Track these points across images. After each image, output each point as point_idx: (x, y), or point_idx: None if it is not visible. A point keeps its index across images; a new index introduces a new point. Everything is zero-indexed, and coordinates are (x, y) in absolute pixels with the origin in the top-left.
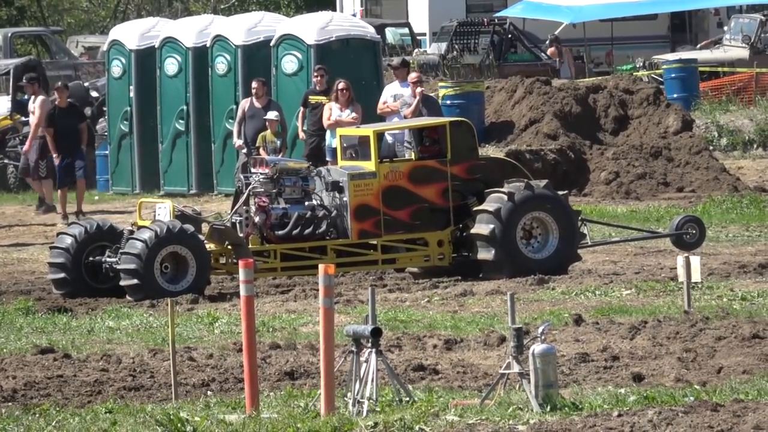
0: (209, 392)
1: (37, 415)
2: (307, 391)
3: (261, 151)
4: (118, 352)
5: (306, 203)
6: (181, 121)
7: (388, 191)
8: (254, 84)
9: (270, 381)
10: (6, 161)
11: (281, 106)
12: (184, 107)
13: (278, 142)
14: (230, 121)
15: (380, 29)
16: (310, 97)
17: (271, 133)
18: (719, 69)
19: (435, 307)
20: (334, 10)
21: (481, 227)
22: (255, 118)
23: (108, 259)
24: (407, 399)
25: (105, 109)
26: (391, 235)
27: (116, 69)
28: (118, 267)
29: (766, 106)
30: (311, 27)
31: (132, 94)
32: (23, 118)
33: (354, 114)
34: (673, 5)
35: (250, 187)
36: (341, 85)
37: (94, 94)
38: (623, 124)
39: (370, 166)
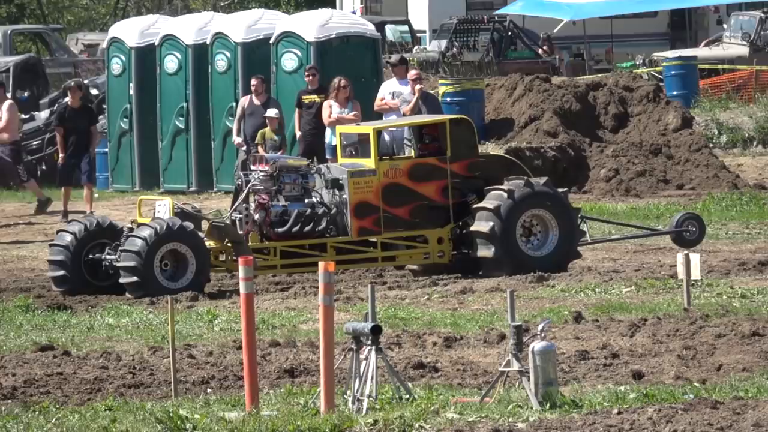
0: (209, 390)
1: (37, 413)
2: (306, 388)
3: (260, 148)
4: (117, 349)
5: (306, 200)
6: (180, 118)
7: (387, 188)
8: (253, 81)
9: (270, 378)
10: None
11: (280, 104)
12: (184, 105)
13: (278, 139)
14: (230, 118)
15: (380, 26)
16: (304, 96)
17: (270, 130)
18: (719, 66)
19: (435, 305)
20: (334, 7)
21: (481, 224)
22: (254, 115)
23: (108, 257)
24: (407, 396)
25: (105, 106)
26: (391, 232)
27: (116, 66)
28: (118, 264)
29: (766, 104)
30: (311, 24)
31: (132, 92)
32: (23, 116)
33: (354, 112)
34: (673, 3)
35: (250, 184)
36: (342, 83)
37: (93, 91)
38: (623, 121)
39: (369, 163)
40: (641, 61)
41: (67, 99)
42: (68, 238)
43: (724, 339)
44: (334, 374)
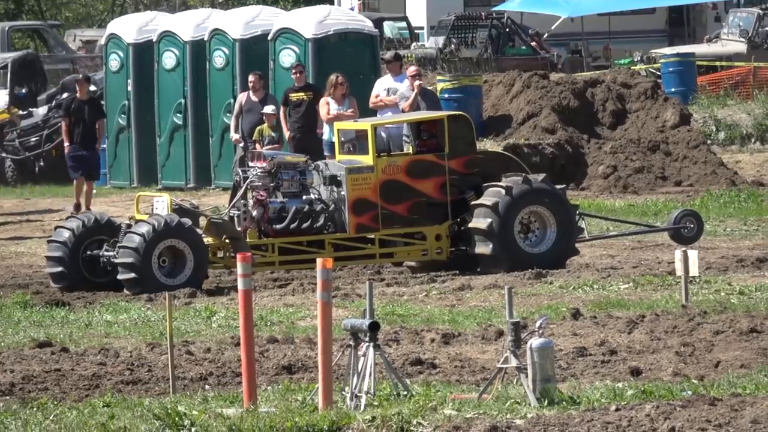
0: (207, 386)
1: (35, 409)
2: (304, 385)
3: (257, 145)
4: (115, 345)
5: (304, 197)
6: (178, 114)
7: (385, 185)
8: (251, 78)
9: (268, 375)
10: (4, 155)
11: (278, 100)
12: (182, 101)
13: (275, 136)
14: (228, 114)
15: (378, 23)
16: (291, 94)
17: (267, 126)
18: (717, 63)
19: (433, 302)
20: (332, 4)
21: (479, 221)
22: (252, 111)
23: (106, 253)
24: (405, 393)
25: (103, 103)
26: (389, 229)
27: (114, 63)
28: (116, 261)
29: (764, 101)
30: (309, 21)
31: (130, 88)
32: (21, 112)
33: (351, 109)
34: None
35: (248, 181)
36: (339, 80)
37: (91, 88)
38: (621, 118)
39: (367, 160)
40: (639, 58)
41: (66, 94)
42: (66, 234)
43: (722, 336)
44: (332, 371)
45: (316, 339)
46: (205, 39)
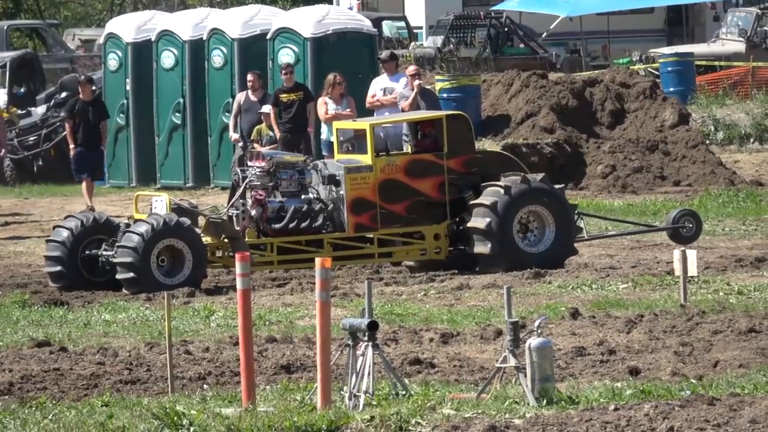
0: (205, 386)
1: (34, 409)
2: (303, 384)
3: (255, 145)
4: (114, 345)
5: (302, 197)
6: (177, 114)
7: (384, 185)
8: (250, 77)
9: (266, 374)
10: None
11: None
12: (181, 100)
13: (273, 135)
14: (227, 114)
15: (377, 22)
16: (281, 95)
17: (266, 126)
18: (716, 63)
19: (431, 301)
20: (331, 3)
21: (478, 221)
22: (251, 111)
23: (104, 253)
24: (404, 393)
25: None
26: (388, 228)
27: (113, 62)
28: (115, 260)
29: (763, 100)
30: (308, 20)
31: (128, 87)
32: (20, 111)
33: (349, 108)
34: None
35: (247, 180)
36: (337, 79)
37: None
38: (620, 117)
39: (366, 159)
40: (638, 58)
41: (64, 93)
42: (65, 234)
43: (720, 335)
44: (330, 370)
45: (314, 338)
46: (204, 38)
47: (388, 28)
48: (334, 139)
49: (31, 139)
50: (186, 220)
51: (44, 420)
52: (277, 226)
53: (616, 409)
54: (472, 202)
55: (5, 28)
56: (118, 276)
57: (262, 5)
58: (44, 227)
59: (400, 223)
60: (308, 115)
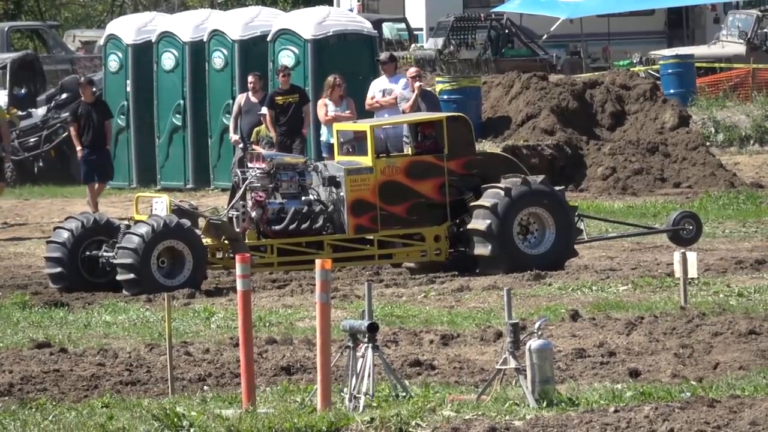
0: (206, 387)
1: (34, 410)
2: (303, 386)
3: (255, 146)
4: (114, 346)
5: (303, 198)
6: (177, 115)
7: (384, 186)
8: (250, 78)
9: (266, 376)
10: (2, 155)
11: None
12: (181, 102)
13: (273, 137)
14: (227, 115)
15: (377, 24)
16: (277, 97)
17: (265, 127)
18: (716, 65)
19: (431, 303)
20: (331, 5)
21: (478, 222)
22: (251, 112)
23: (105, 254)
24: (404, 394)
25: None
26: (388, 230)
27: (113, 63)
28: (115, 261)
29: (763, 102)
30: (308, 22)
31: (129, 89)
32: (20, 113)
33: (349, 110)
34: (670, 1)
35: (247, 182)
36: (336, 80)
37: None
38: (620, 119)
39: (366, 161)
40: (638, 60)
41: (65, 95)
42: (65, 235)
43: (720, 337)
44: (330, 372)
45: (314, 340)
46: (205, 40)
47: (388, 29)
48: (334, 140)
49: (32, 140)
50: (186, 222)
51: (44, 421)
52: (277, 227)
53: (616, 411)
54: (472, 203)
55: (6, 29)
56: (119, 277)
57: (263, 7)
58: (45, 228)
59: (401, 225)
60: (304, 118)
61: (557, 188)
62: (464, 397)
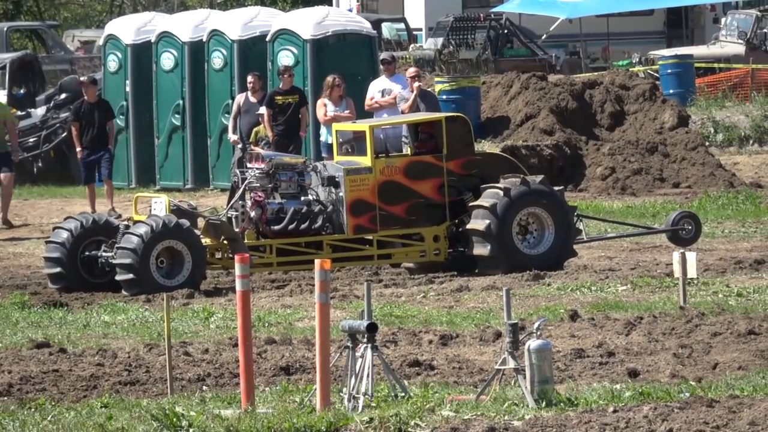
0: (205, 387)
1: (33, 410)
2: (302, 386)
3: (253, 147)
4: (113, 346)
5: (302, 198)
6: (177, 115)
7: (383, 186)
8: (250, 78)
9: (265, 376)
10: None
11: None
12: (180, 102)
13: (270, 137)
14: (226, 115)
15: (376, 24)
16: (277, 97)
17: (264, 128)
18: (715, 65)
19: (431, 303)
20: (331, 5)
21: (477, 223)
22: (250, 112)
23: (104, 254)
24: (403, 394)
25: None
26: (387, 230)
27: (112, 63)
28: (114, 262)
29: (762, 102)
30: (307, 22)
31: (128, 89)
32: (19, 113)
33: (348, 110)
34: (669, 1)
35: (246, 182)
36: (336, 81)
37: None
38: (619, 119)
39: (365, 161)
40: (638, 60)
41: (64, 95)
42: (64, 235)
43: (720, 337)
44: (329, 372)
45: (314, 340)
46: (204, 40)
47: (387, 29)
48: (333, 140)
49: (31, 140)
50: (185, 222)
51: (43, 421)
52: (276, 227)
53: (615, 411)
54: (471, 203)
55: (5, 29)
56: (118, 277)
57: (262, 7)
58: (44, 228)
59: (400, 225)
60: (301, 119)
61: (556, 188)
62: (463, 397)
